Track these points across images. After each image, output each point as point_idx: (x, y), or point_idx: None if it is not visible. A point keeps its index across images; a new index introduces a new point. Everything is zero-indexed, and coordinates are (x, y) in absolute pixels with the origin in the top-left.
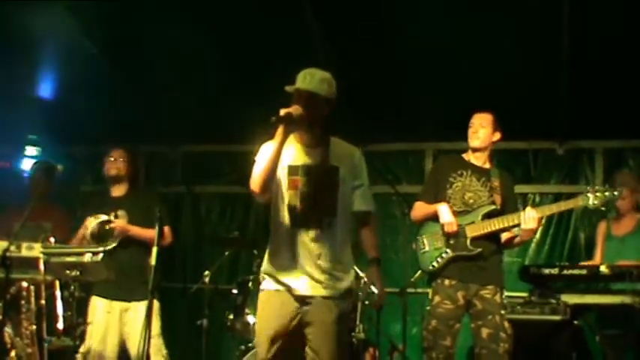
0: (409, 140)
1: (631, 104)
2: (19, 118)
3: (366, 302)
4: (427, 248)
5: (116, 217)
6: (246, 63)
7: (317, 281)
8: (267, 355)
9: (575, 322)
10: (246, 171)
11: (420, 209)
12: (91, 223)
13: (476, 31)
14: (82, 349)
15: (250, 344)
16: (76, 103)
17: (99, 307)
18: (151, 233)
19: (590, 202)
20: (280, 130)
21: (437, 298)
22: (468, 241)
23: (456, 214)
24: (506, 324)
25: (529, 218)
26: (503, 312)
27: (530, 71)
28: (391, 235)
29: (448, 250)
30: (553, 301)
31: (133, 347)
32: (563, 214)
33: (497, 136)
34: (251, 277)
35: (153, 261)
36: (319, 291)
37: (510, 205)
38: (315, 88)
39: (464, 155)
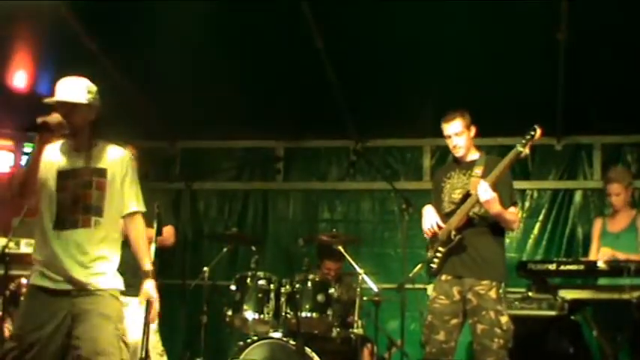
0: (407, 137)
1: (628, 100)
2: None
3: (364, 298)
4: (429, 253)
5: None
6: (244, 59)
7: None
8: None
9: (573, 317)
10: (244, 167)
11: None
12: None
13: (474, 29)
14: None
15: (249, 339)
16: None
17: None
18: (149, 233)
19: (519, 148)
20: (38, 138)
21: (433, 294)
22: (453, 232)
23: (446, 215)
24: (502, 319)
25: (480, 190)
26: (499, 307)
27: (528, 68)
28: (389, 230)
29: (440, 249)
30: (550, 296)
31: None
32: (561, 210)
33: (473, 130)
34: (249, 273)
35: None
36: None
37: (496, 186)
38: (74, 97)
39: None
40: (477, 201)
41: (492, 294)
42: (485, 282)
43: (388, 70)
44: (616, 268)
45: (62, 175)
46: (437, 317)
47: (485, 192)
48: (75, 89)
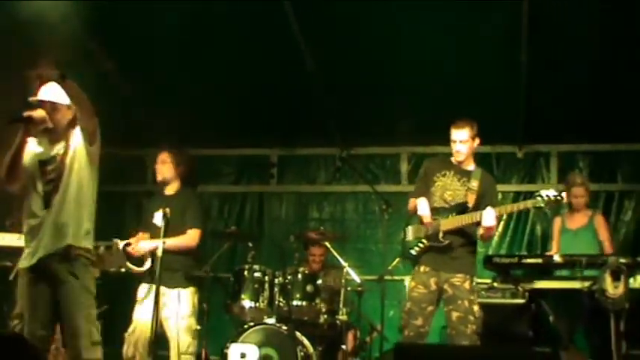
0: (387, 145)
1: (580, 114)
2: None
3: (349, 288)
4: (409, 237)
5: (165, 214)
6: (243, 77)
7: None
8: None
9: (532, 305)
10: (242, 172)
11: (410, 204)
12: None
13: (447, 49)
14: (129, 330)
15: (246, 325)
16: None
17: (143, 293)
18: (175, 243)
19: (542, 205)
20: (22, 130)
21: (412, 284)
22: (441, 234)
23: (434, 209)
24: (475, 308)
25: (487, 216)
26: (472, 297)
27: (493, 86)
28: (371, 228)
29: (424, 240)
30: (513, 286)
31: (168, 328)
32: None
33: (477, 141)
34: (246, 266)
35: (159, 252)
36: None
37: (486, 203)
38: (55, 98)
39: (452, 158)
40: (478, 221)
41: (466, 285)
42: (460, 275)
43: (370, 87)
44: (570, 261)
45: (42, 163)
46: (415, 304)
47: (492, 219)
48: (57, 91)
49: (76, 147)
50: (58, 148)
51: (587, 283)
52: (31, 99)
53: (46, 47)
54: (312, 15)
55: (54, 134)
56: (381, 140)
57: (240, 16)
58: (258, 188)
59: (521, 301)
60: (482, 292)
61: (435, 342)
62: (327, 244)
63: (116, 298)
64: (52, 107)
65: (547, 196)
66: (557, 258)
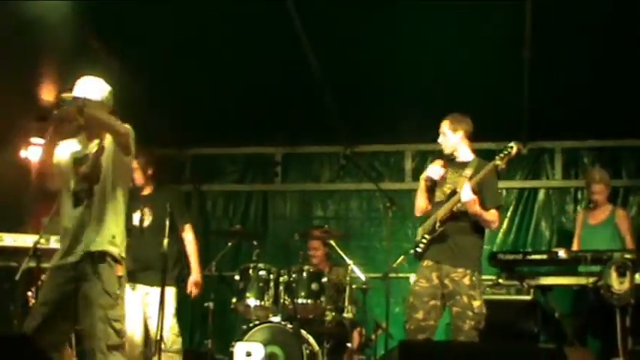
0: (391, 142)
1: (584, 110)
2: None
3: (354, 286)
4: (418, 237)
5: (142, 214)
6: (248, 77)
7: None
8: None
9: (537, 301)
10: (247, 171)
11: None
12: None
13: (450, 45)
14: None
15: (251, 323)
16: None
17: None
18: (197, 256)
19: (497, 162)
20: (52, 128)
21: (415, 278)
22: (437, 223)
23: (437, 204)
24: (475, 304)
25: (463, 191)
26: (471, 292)
27: (498, 82)
28: (375, 226)
29: (426, 235)
30: (518, 282)
31: (152, 327)
32: (527, 207)
33: (460, 133)
34: (251, 265)
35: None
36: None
37: (481, 189)
38: (89, 94)
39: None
40: (460, 199)
41: (466, 280)
42: (460, 270)
43: (373, 86)
44: (575, 257)
45: (76, 161)
46: (417, 298)
47: (466, 193)
48: (90, 88)
49: (110, 149)
50: (92, 147)
51: (591, 279)
52: (64, 95)
53: (48, 47)
54: (314, 15)
55: (89, 131)
56: (385, 138)
57: (244, 15)
58: (262, 187)
59: (526, 297)
60: (488, 289)
61: (440, 339)
62: (332, 242)
63: None
64: (84, 103)
65: (501, 154)
66: (561, 254)
